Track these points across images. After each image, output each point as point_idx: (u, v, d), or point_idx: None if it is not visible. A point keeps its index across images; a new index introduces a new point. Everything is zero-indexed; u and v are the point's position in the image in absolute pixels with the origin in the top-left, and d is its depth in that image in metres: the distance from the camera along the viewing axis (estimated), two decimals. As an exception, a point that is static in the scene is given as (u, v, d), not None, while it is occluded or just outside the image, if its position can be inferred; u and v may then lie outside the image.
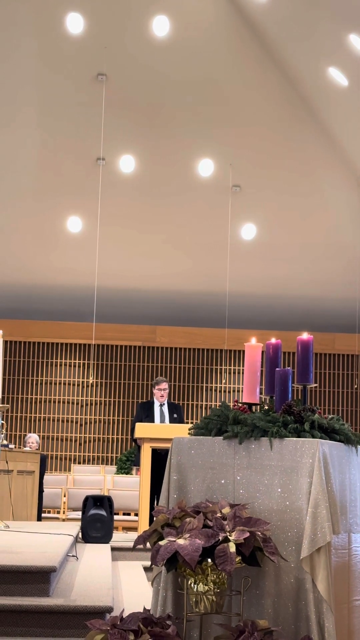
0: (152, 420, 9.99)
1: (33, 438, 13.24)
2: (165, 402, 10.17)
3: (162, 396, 10.13)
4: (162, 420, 10.04)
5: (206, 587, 4.08)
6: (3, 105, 13.73)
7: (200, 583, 4.09)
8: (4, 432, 8.86)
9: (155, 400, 10.18)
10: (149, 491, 9.07)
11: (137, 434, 9.25)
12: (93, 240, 14.87)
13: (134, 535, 10.43)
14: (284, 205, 15.15)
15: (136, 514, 11.95)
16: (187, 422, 13.93)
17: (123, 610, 4.32)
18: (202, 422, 4.63)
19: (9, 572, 5.25)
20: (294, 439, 4.32)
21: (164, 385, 10.18)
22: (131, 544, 8.64)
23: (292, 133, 14.18)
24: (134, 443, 10.59)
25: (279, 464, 4.30)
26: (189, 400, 17.32)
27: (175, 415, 10.13)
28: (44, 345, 17.28)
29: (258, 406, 4.67)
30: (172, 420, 10.05)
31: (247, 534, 4.02)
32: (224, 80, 13.66)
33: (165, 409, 10.13)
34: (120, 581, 7.23)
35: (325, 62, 12.55)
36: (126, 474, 15.39)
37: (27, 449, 12.52)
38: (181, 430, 7.87)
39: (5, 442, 10.50)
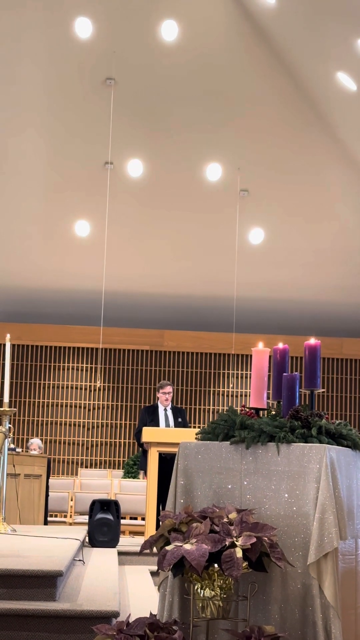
0: (156, 424, 9.99)
1: (35, 444, 13.22)
2: (170, 406, 10.17)
3: (166, 400, 10.12)
4: (167, 424, 10.04)
5: (213, 593, 4.07)
6: (12, 109, 13.76)
7: (207, 588, 4.08)
8: (11, 435, 8.86)
9: (159, 404, 10.18)
10: (156, 496, 9.06)
11: (144, 438, 9.25)
12: (101, 244, 14.88)
13: (140, 540, 10.43)
14: (292, 209, 15.14)
15: (143, 519, 11.94)
16: (192, 426, 13.92)
17: (129, 615, 4.32)
18: (209, 427, 4.62)
19: (15, 576, 5.24)
20: (301, 444, 4.31)
21: (169, 389, 10.17)
22: (138, 549, 8.64)
23: (300, 137, 14.17)
24: (140, 447, 10.59)
25: (286, 469, 4.29)
26: (196, 405, 17.31)
27: (179, 419, 10.13)
28: (51, 349, 17.30)
29: (265, 411, 4.66)
30: (176, 424, 10.04)
31: (254, 540, 4.01)
32: (232, 85, 13.66)
33: (170, 413, 10.13)
34: (126, 586, 7.22)
35: (334, 67, 12.55)
36: (133, 478, 15.38)
37: (34, 452, 12.53)
38: (188, 435, 7.87)
39: (12, 445, 10.51)
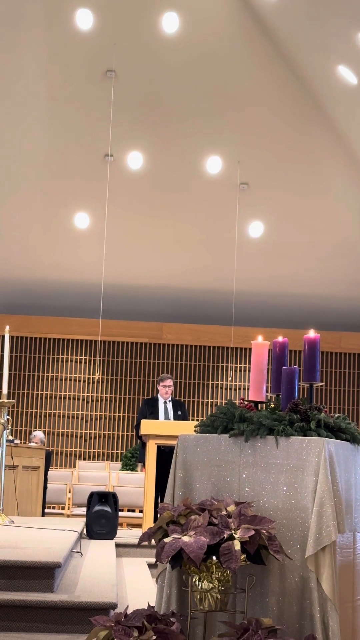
0: (156, 417, 10.00)
1: (38, 437, 13.21)
2: (170, 399, 10.18)
3: (166, 393, 10.13)
4: (167, 417, 10.05)
5: (211, 585, 4.08)
6: (12, 101, 13.73)
7: (205, 580, 4.08)
8: (10, 427, 8.86)
9: (159, 397, 10.19)
10: (154, 488, 9.07)
11: (142, 431, 9.26)
12: (100, 237, 14.87)
13: (138, 532, 10.44)
14: (292, 203, 15.13)
15: (141, 511, 11.97)
16: (192, 419, 13.94)
17: (127, 606, 4.32)
18: (208, 420, 4.62)
19: (13, 568, 5.26)
20: (300, 437, 4.31)
21: (169, 382, 10.18)
22: (135, 541, 8.65)
23: (300, 131, 14.15)
24: (138, 440, 10.60)
25: (285, 462, 4.29)
26: (194, 398, 17.32)
27: (179, 412, 10.14)
28: (50, 341, 17.30)
29: (264, 404, 4.66)
30: (176, 417, 10.05)
31: (252, 532, 4.01)
32: (233, 78, 13.64)
33: (170, 405, 10.14)
34: (124, 578, 7.23)
35: (335, 60, 12.52)
36: (131, 470, 15.40)
37: (33, 444, 12.53)
38: (187, 428, 7.88)
39: (10, 437, 10.52)
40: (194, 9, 13.05)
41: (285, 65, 13.45)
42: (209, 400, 17.34)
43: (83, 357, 17.30)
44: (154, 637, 3.85)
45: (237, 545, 3.98)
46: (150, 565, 7.82)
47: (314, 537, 4.10)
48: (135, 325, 17.28)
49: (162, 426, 9.44)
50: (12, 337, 16.38)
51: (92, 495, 9.24)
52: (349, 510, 4.40)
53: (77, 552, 7.24)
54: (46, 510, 12.39)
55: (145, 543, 4.33)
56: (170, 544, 4.03)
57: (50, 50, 13.34)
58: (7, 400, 8.58)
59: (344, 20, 11.55)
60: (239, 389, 17.33)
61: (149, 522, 8.81)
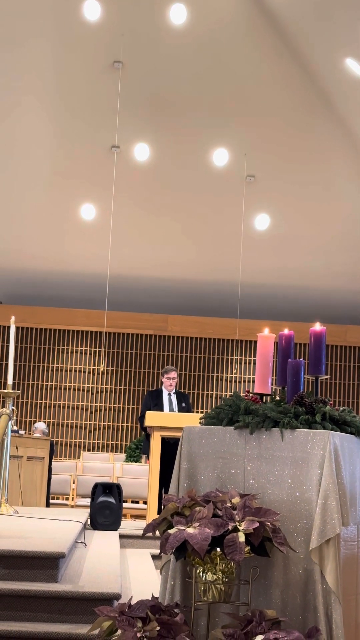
0: (160, 409, 10.02)
1: (40, 429, 13.21)
2: (174, 391, 10.19)
3: (170, 385, 10.15)
4: (171, 409, 10.07)
5: (215, 576, 4.09)
6: (19, 91, 13.72)
7: (209, 572, 4.09)
8: (14, 418, 8.88)
9: (163, 389, 10.20)
10: (158, 480, 9.09)
11: (147, 423, 9.27)
12: (106, 228, 14.87)
13: (142, 523, 10.46)
14: (298, 196, 15.10)
15: (145, 502, 11.98)
16: (195, 412, 13.96)
17: (131, 597, 4.33)
18: (213, 412, 4.62)
19: (18, 558, 5.27)
20: (305, 430, 4.31)
21: (173, 374, 10.19)
22: (139, 532, 8.67)
23: (307, 124, 14.12)
24: (143, 432, 10.61)
25: (290, 454, 4.29)
26: (199, 390, 17.32)
27: (183, 404, 10.15)
28: (55, 332, 17.31)
29: (269, 397, 4.66)
30: (180, 409, 10.07)
31: (257, 524, 4.01)
32: (240, 70, 13.61)
33: (174, 397, 10.16)
34: (128, 569, 7.25)
35: (342, 53, 12.49)
36: (135, 462, 15.42)
37: (37, 435, 12.56)
38: (192, 420, 7.89)
39: (15, 427, 10.54)
40: (202, 1, 13.01)
41: (292, 57, 13.41)
42: (214, 393, 17.35)
43: (88, 349, 17.32)
44: (158, 628, 3.86)
45: (242, 537, 3.98)
46: (154, 557, 7.83)
47: (318, 529, 4.11)
48: (140, 317, 17.29)
49: (167, 418, 9.45)
50: (17, 328, 16.38)
51: (96, 486, 9.26)
52: (354, 503, 4.41)
53: (81, 542, 7.26)
54: (50, 501, 12.42)
55: (150, 534, 4.33)
56: (175, 536, 4.04)
57: (57, 41, 13.31)
58: (12, 391, 8.59)
59: (352, 13, 11.51)
60: (244, 381, 17.34)
61: (153, 514, 8.82)
